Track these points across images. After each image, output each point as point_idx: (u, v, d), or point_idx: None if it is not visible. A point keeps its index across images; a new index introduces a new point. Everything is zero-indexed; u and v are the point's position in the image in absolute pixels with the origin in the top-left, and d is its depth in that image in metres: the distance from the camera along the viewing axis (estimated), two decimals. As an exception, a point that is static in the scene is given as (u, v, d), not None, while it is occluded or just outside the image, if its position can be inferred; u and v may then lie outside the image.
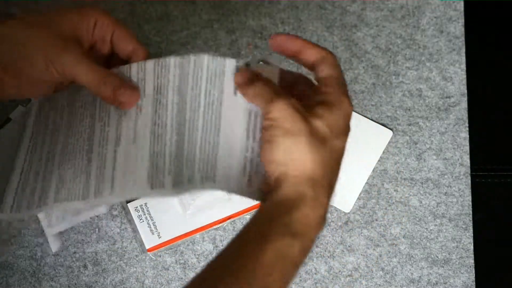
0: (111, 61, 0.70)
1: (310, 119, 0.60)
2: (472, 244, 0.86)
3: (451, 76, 0.90)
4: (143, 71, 0.67)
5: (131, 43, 0.69)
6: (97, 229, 0.85)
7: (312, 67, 0.64)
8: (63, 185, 0.67)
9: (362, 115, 0.89)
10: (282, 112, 0.60)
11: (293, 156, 0.59)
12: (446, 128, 0.89)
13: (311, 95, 0.63)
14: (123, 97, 0.66)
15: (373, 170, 0.88)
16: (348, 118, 0.62)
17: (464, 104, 0.90)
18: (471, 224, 0.86)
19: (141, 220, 0.84)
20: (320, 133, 0.60)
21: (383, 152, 0.88)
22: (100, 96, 0.66)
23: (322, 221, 0.60)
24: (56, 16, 0.68)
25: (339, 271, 0.85)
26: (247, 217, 0.86)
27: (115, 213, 0.85)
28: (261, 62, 0.66)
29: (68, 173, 0.67)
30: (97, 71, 0.66)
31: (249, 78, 0.63)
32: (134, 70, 0.67)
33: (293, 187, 0.59)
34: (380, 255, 0.85)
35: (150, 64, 0.67)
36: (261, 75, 0.63)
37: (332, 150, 0.60)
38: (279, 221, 0.58)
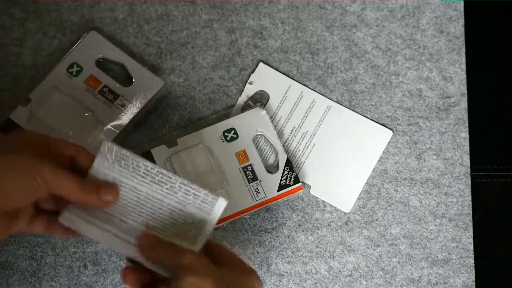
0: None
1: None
2: (472, 244, 0.86)
3: (451, 76, 0.90)
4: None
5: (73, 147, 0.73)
6: (97, 229, 0.85)
7: None
8: None
9: (362, 115, 0.89)
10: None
11: None
12: (446, 128, 0.89)
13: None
14: (105, 197, 0.71)
15: (373, 170, 0.88)
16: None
17: (464, 104, 0.90)
18: (471, 224, 0.86)
19: (141, 220, 0.84)
20: None
21: (383, 152, 0.88)
22: (85, 204, 0.70)
23: None
24: (27, 138, 0.72)
25: (339, 271, 0.85)
26: (247, 217, 0.86)
27: (115, 213, 0.85)
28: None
29: None
30: (77, 181, 0.69)
31: (151, 243, 0.71)
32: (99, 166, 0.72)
33: None
34: (380, 255, 0.85)
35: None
36: (161, 240, 0.72)
37: None
38: None
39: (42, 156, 0.70)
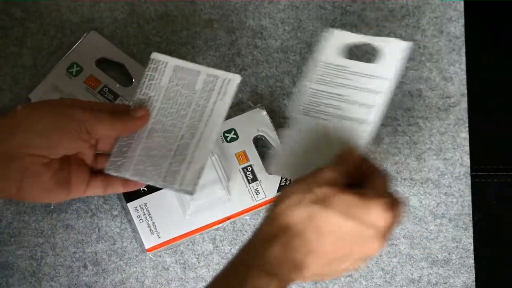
0: None
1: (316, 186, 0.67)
2: (472, 244, 0.86)
3: (451, 76, 0.90)
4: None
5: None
6: (97, 229, 0.85)
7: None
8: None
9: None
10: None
11: (282, 206, 0.67)
12: (446, 128, 0.89)
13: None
14: (138, 113, 0.76)
15: (373, 170, 0.88)
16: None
17: (464, 104, 0.90)
18: (471, 224, 0.86)
19: (141, 220, 0.84)
20: (316, 196, 0.66)
21: (384, 152, 0.88)
22: (126, 129, 0.76)
23: (298, 266, 0.65)
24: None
25: (339, 271, 0.85)
26: (247, 217, 0.86)
27: (115, 213, 0.85)
28: None
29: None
30: (108, 114, 0.74)
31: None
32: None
33: (269, 229, 0.66)
34: (380, 255, 0.85)
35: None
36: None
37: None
38: (256, 261, 0.65)
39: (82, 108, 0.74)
